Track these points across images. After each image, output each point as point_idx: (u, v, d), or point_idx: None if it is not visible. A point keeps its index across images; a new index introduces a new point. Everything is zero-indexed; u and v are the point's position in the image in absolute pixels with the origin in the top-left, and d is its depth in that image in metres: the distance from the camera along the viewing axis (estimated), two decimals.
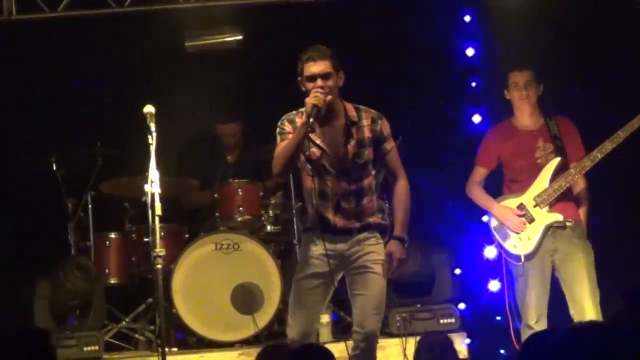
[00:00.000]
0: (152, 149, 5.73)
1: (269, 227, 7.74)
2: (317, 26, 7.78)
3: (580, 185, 6.54)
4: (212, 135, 8.14)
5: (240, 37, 8.19)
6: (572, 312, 6.35)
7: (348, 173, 5.39)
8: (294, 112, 5.49)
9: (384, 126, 5.47)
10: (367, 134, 5.43)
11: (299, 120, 5.41)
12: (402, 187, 5.53)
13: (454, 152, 7.75)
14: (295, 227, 7.69)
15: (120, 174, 7.61)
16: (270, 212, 7.74)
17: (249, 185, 7.68)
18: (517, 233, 6.45)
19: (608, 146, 6.33)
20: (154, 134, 5.75)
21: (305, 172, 5.46)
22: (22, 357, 3.72)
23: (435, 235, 7.56)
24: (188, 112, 7.93)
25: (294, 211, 7.70)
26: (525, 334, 6.26)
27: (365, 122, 5.45)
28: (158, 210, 5.65)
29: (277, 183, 7.90)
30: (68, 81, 7.94)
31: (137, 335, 7.56)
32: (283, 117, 5.50)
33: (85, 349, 6.96)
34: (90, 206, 7.65)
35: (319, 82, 5.31)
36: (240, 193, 7.62)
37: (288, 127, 5.42)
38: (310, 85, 5.33)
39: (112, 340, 7.49)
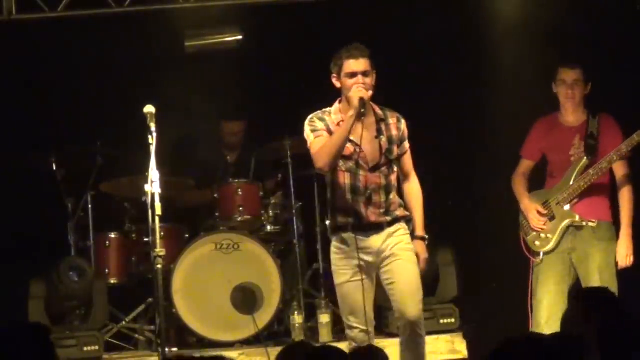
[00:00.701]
0: (152, 149, 5.73)
1: (269, 227, 7.74)
2: (317, 26, 7.79)
3: (620, 172, 6.41)
4: (213, 135, 8.14)
5: (240, 37, 8.19)
6: None
7: (379, 168, 5.55)
8: (319, 112, 5.62)
9: (406, 126, 5.67)
10: (394, 131, 5.61)
11: (328, 119, 5.55)
12: (416, 187, 5.73)
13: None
14: (295, 227, 7.69)
15: (120, 174, 7.61)
16: (270, 212, 7.74)
17: (249, 185, 7.68)
18: (535, 231, 6.46)
19: (623, 149, 6.29)
20: (154, 134, 5.76)
21: (338, 168, 5.54)
22: (21, 352, 3.71)
23: (441, 233, 7.53)
24: (188, 112, 7.93)
25: (294, 211, 7.70)
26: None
27: (392, 120, 5.63)
28: (158, 210, 5.65)
29: (277, 183, 7.92)
30: (67, 81, 7.94)
31: (137, 335, 7.55)
32: (311, 116, 5.60)
33: (85, 349, 6.96)
34: (90, 206, 7.65)
35: (360, 78, 5.46)
36: (240, 193, 7.61)
37: (321, 124, 5.54)
38: (350, 81, 5.48)
39: (112, 340, 7.48)
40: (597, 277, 6.29)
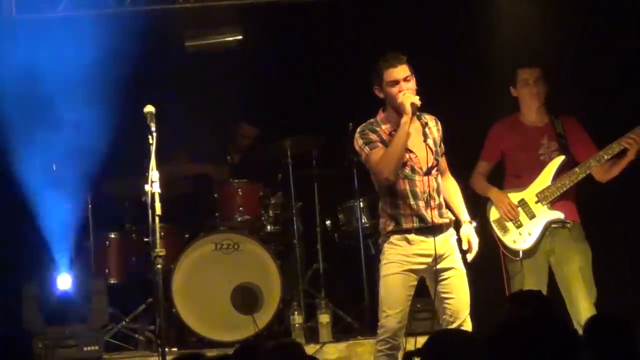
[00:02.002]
0: (152, 149, 5.73)
1: (269, 227, 7.75)
2: (317, 26, 7.79)
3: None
4: (212, 135, 8.14)
5: (240, 37, 8.19)
6: (570, 311, 6.35)
7: (431, 171, 5.63)
8: (366, 123, 5.64)
9: (442, 128, 5.75)
10: (436, 134, 5.69)
11: (379, 129, 5.59)
12: (454, 181, 5.85)
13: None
14: (295, 227, 7.70)
15: (120, 174, 7.60)
16: (270, 212, 7.75)
17: (249, 185, 7.69)
18: (509, 220, 6.44)
19: (615, 148, 6.30)
20: (154, 134, 5.76)
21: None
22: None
23: None
24: (187, 111, 7.93)
25: (294, 211, 7.71)
26: None
27: (432, 123, 5.69)
28: (158, 210, 5.65)
29: (277, 183, 7.91)
30: (67, 81, 7.93)
31: (137, 335, 7.55)
32: (361, 129, 5.63)
33: (85, 349, 6.96)
34: (90, 206, 7.65)
35: (403, 85, 5.52)
36: (240, 193, 7.63)
37: (374, 136, 5.58)
38: (393, 89, 5.53)
39: (112, 340, 7.49)
40: (580, 276, 6.35)
